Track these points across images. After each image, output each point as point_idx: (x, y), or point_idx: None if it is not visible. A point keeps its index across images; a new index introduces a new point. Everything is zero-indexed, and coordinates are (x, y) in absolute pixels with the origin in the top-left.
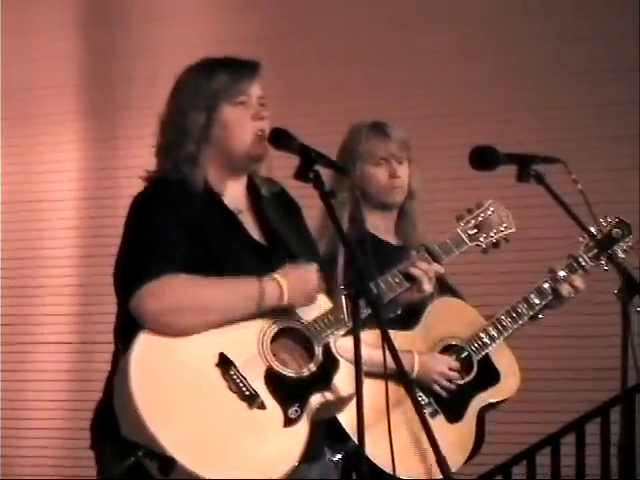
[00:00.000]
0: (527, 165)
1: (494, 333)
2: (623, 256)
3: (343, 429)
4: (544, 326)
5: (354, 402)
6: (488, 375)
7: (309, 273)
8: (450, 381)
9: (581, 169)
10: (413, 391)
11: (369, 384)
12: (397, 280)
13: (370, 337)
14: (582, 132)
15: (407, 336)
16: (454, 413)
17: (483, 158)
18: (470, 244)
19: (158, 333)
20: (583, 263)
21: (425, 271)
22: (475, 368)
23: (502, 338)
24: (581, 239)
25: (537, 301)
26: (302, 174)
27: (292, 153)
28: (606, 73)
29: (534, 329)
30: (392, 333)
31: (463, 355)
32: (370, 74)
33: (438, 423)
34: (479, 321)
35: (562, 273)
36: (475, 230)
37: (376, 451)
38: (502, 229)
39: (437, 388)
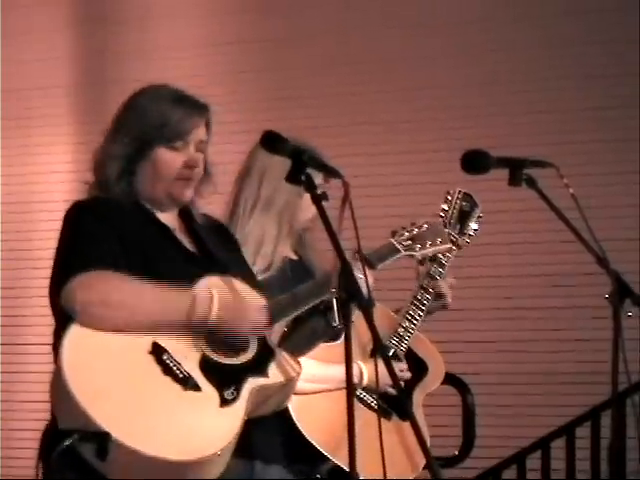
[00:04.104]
0: (519, 169)
1: (409, 325)
2: (476, 227)
3: (317, 450)
4: (535, 330)
5: (321, 418)
6: (417, 365)
7: (248, 305)
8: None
9: (581, 173)
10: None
11: (326, 400)
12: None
13: (322, 352)
14: (582, 136)
15: (340, 346)
16: (403, 410)
17: (475, 162)
18: (404, 252)
19: (87, 326)
20: (454, 239)
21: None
22: (405, 363)
23: (416, 329)
24: (441, 214)
25: (429, 285)
26: (293, 177)
27: (283, 156)
28: (606, 78)
29: (525, 333)
30: (324, 346)
31: (391, 353)
32: (366, 78)
33: (395, 423)
34: (389, 315)
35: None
36: (410, 242)
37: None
38: (438, 242)
39: (390, 390)
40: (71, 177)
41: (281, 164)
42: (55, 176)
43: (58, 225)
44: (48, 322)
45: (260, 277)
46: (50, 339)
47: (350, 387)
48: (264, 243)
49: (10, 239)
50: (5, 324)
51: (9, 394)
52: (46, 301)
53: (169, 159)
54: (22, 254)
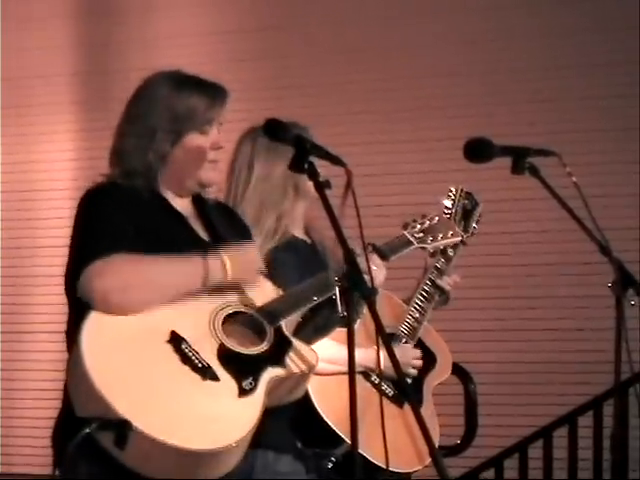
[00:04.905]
0: (522, 157)
1: (419, 316)
2: (477, 227)
3: (333, 432)
4: (537, 319)
5: (339, 400)
6: (426, 357)
7: (250, 252)
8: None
9: (581, 162)
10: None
11: (342, 383)
12: None
13: (340, 335)
14: (583, 125)
15: (358, 330)
16: (407, 398)
17: (478, 150)
18: (417, 245)
19: (107, 313)
20: (461, 236)
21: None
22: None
23: (425, 320)
24: (445, 211)
25: (437, 277)
26: (296, 165)
27: (286, 144)
28: (607, 66)
29: (527, 322)
30: (341, 330)
31: (403, 342)
32: (364, 67)
33: (406, 411)
34: (399, 304)
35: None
36: (422, 234)
37: (367, 449)
38: (449, 235)
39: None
40: (73, 165)
41: (267, 141)
42: (57, 164)
43: (60, 213)
44: (49, 310)
45: (272, 254)
46: (52, 327)
47: (352, 375)
48: (263, 214)
49: (11, 227)
50: (6, 312)
51: (10, 372)
52: (47, 289)
53: (200, 143)
54: (23, 242)
